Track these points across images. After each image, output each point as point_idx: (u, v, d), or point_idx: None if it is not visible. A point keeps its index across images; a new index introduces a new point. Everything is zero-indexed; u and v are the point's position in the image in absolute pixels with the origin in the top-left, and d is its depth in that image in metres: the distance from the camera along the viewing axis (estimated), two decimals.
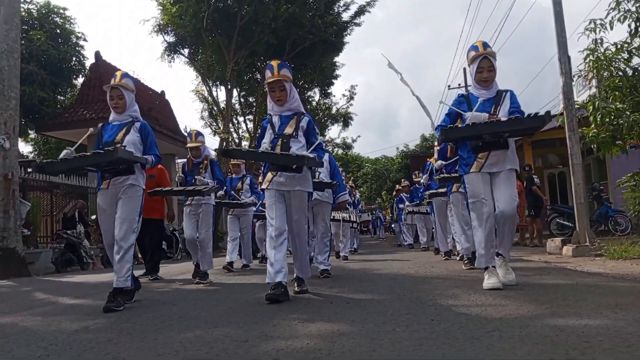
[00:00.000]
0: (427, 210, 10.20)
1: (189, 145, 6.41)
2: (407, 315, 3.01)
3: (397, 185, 16.58)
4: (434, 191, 7.69)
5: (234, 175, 8.28)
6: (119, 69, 19.26)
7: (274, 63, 4.22)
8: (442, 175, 6.27)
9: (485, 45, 4.12)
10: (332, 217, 8.29)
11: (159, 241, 7.39)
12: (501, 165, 4.01)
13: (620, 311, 2.78)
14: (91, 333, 2.99)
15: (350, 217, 9.25)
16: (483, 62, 4.05)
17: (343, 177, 10.33)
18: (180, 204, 8.79)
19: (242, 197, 7.84)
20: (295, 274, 4.42)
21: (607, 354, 1.95)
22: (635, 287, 3.78)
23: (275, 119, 4.24)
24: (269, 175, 4.18)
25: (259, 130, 4.34)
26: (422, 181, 8.12)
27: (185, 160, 6.76)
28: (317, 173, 5.93)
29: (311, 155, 3.96)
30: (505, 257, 4.21)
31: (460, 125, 4.00)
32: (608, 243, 7.23)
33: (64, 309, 4.17)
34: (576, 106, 8.34)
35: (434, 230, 9.49)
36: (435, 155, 7.64)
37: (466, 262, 6.18)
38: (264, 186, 4.23)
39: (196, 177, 6.17)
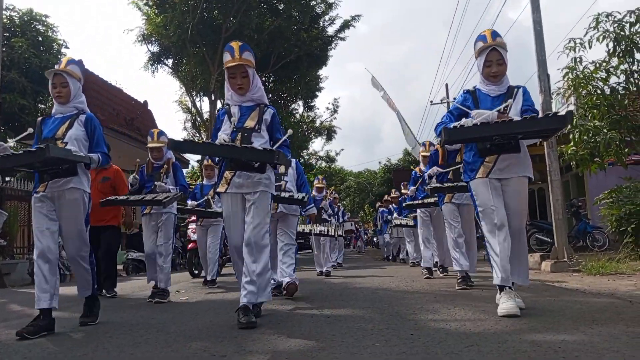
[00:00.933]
0: (414, 223, 9.46)
1: (149, 145, 5.68)
2: (387, 330, 3.01)
3: (385, 196, 16.35)
4: (410, 202, 7.28)
5: (205, 182, 7.29)
6: (102, 78, 18.78)
7: (235, 45, 3.63)
8: (433, 185, 5.62)
9: (494, 34, 3.61)
10: (308, 231, 8.04)
11: (115, 252, 6.61)
12: (512, 171, 3.54)
13: (596, 327, 2.81)
14: (67, 347, 2.93)
15: (329, 230, 8.45)
16: (492, 54, 3.57)
17: (328, 191, 10.15)
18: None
19: (215, 206, 6.81)
20: (243, 301, 3.43)
21: None
22: (612, 303, 3.83)
23: (234, 110, 3.68)
24: (227, 174, 3.58)
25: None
26: (409, 193, 7.48)
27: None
28: (284, 182, 5.40)
29: (281, 151, 3.43)
30: (513, 284, 3.54)
31: (465, 125, 3.48)
32: (586, 259, 7.33)
33: None
34: None
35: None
36: (421, 166, 7.35)
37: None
38: (220, 189, 3.63)
39: (156, 183, 5.49)
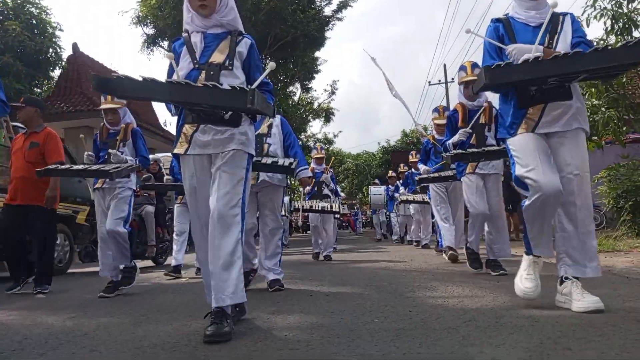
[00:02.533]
0: (423, 199, 8.47)
1: (102, 106, 4.66)
2: (385, 307, 3.04)
3: (390, 172, 15.68)
4: (425, 176, 6.27)
5: None
6: (97, 61, 18.62)
7: None
8: (455, 151, 4.55)
9: None
10: (309, 208, 7.54)
11: (52, 237, 5.21)
12: (564, 123, 2.70)
13: None
14: (67, 327, 2.95)
15: (332, 206, 7.45)
16: None
17: (326, 166, 8.59)
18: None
19: None
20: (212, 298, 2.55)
21: (580, 343, 1.99)
22: (609, 279, 3.86)
23: (196, 39, 2.66)
24: (186, 129, 2.61)
25: None
26: (421, 171, 6.52)
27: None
28: (266, 145, 4.37)
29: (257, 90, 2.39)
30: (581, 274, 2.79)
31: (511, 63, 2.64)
32: None
33: (40, 304, 4.11)
34: None
35: (434, 221, 7.72)
36: (434, 134, 6.68)
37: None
38: (178, 150, 2.64)
39: (110, 151, 4.48)
